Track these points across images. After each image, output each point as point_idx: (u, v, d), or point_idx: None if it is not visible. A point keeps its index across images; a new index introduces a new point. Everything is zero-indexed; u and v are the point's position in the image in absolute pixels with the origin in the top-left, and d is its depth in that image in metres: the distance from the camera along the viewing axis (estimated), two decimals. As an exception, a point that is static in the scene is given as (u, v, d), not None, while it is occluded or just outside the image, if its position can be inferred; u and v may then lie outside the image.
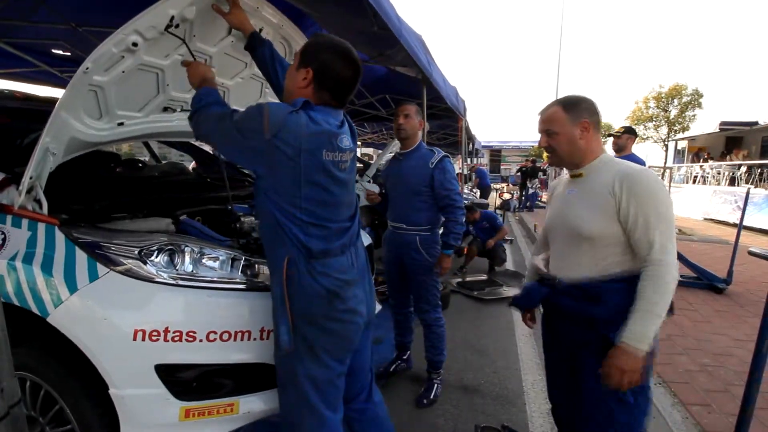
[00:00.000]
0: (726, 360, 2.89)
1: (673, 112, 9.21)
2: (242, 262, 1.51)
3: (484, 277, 5.07)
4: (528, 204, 13.03)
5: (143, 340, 1.30)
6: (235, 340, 1.39)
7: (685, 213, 11.91)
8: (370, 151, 18.16)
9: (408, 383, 2.64)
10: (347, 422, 1.51)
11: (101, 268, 1.35)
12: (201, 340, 1.35)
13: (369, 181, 5.96)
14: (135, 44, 1.40)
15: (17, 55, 4.20)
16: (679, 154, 17.65)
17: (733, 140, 15.45)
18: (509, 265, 5.85)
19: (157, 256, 1.39)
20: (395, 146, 5.96)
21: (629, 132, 4.35)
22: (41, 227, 1.44)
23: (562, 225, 1.45)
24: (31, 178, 1.43)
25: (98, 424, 1.39)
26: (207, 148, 3.25)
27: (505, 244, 6.25)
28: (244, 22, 1.61)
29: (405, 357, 2.79)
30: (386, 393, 1.97)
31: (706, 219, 11.36)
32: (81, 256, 1.37)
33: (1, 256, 1.44)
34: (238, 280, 1.47)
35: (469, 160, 11.59)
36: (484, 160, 24.93)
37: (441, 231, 2.44)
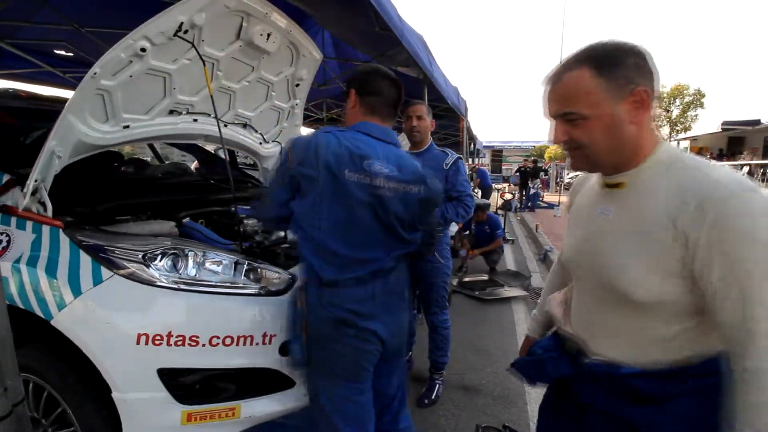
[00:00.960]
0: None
1: (675, 112, 9.18)
2: (245, 266, 1.51)
3: (485, 277, 5.08)
4: (530, 204, 13.04)
5: (146, 344, 1.31)
6: (237, 344, 1.39)
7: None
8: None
9: (409, 383, 2.65)
10: None
11: (105, 272, 1.35)
12: (204, 345, 1.35)
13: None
14: (143, 49, 1.42)
15: (20, 55, 4.21)
16: (681, 154, 17.65)
17: (735, 140, 15.42)
18: (510, 264, 5.86)
19: (160, 261, 1.40)
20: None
21: None
22: (46, 230, 1.45)
23: (589, 268, 0.90)
24: (36, 180, 1.43)
25: (101, 427, 1.40)
26: (210, 147, 3.26)
27: (505, 244, 6.26)
28: None
29: (407, 358, 2.79)
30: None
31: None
32: (85, 259, 1.37)
33: (5, 258, 1.45)
34: (241, 285, 1.48)
35: (470, 160, 11.58)
36: (485, 161, 24.92)
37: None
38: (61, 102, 2.46)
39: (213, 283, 1.43)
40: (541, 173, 15.64)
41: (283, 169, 1.30)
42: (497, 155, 32.48)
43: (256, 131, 2.50)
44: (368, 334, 1.30)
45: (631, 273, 0.78)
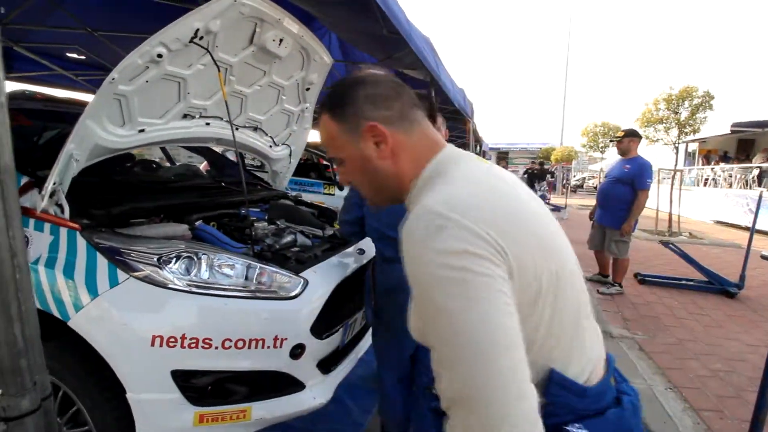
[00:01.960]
0: (738, 365, 2.87)
1: (684, 114, 9.08)
2: (257, 270, 1.53)
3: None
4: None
5: (161, 345, 1.33)
6: (249, 347, 1.41)
7: (695, 216, 11.79)
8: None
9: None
10: None
11: (121, 274, 1.38)
12: (216, 347, 1.37)
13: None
14: (160, 55, 1.45)
15: (33, 59, 4.28)
16: (689, 157, 17.45)
17: (745, 142, 15.23)
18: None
19: (175, 264, 1.42)
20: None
21: (630, 135, 4.29)
22: (63, 232, 1.47)
23: None
24: (54, 183, 1.46)
25: (115, 427, 1.42)
26: (218, 149, 3.29)
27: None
28: None
29: None
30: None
31: (716, 222, 11.22)
32: (102, 262, 1.40)
33: (23, 259, 1.47)
34: (253, 288, 1.50)
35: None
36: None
37: None
38: (75, 103, 2.50)
39: (226, 287, 1.45)
40: (548, 175, 15.56)
41: (350, 193, 1.64)
42: (503, 157, 32.38)
43: (267, 134, 2.53)
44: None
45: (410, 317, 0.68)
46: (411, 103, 0.76)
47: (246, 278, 1.50)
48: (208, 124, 2.08)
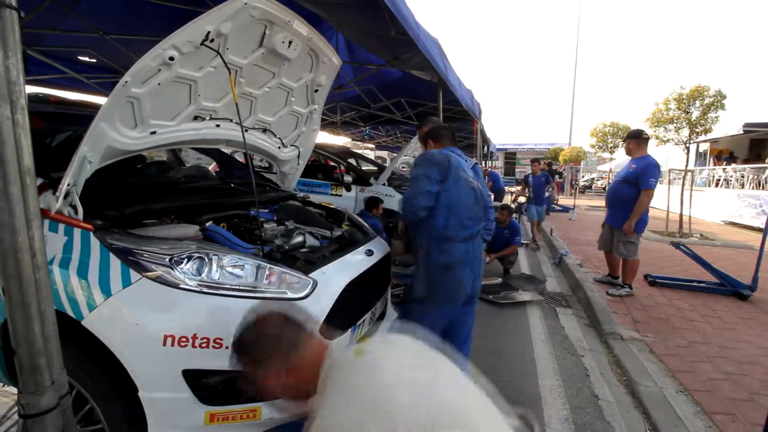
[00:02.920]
0: (751, 368, 2.82)
1: (695, 113, 8.95)
2: (266, 270, 1.54)
3: (498, 280, 5.04)
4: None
5: (172, 345, 1.35)
6: (260, 346, 1.42)
7: (707, 217, 11.62)
8: (384, 154, 18.21)
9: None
10: None
11: (134, 275, 1.40)
12: (227, 347, 1.38)
13: (384, 184, 5.98)
14: (172, 58, 1.47)
15: (45, 62, 4.35)
16: (700, 157, 17.19)
17: (758, 142, 14.99)
18: (525, 268, 5.80)
19: (186, 264, 1.43)
20: (411, 150, 5.97)
21: (631, 137, 4.30)
22: (77, 232, 1.50)
23: None
24: (68, 184, 1.49)
25: (127, 425, 1.44)
26: (227, 150, 3.31)
27: (520, 248, 6.20)
28: None
29: None
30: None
31: (726, 223, 11.06)
32: (115, 262, 1.42)
33: (38, 260, 1.50)
34: (262, 289, 1.51)
35: (483, 163, 11.51)
36: (498, 163, 24.73)
37: None
38: (87, 106, 2.54)
39: (236, 287, 1.46)
40: (556, 176, 15.44)
41: (431, 164, 2.00)
42: (510, 158, 32.22)
43: (276, 135, 2.54)
44: (463, 276, 2.02)
45: None
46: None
47: (256, 278, 1.51)
48: (218, 125, 2.10)
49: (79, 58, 4.58)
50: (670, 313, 3.89)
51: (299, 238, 1.99)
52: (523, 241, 6.68)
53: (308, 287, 1.58)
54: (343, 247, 2.06)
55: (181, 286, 1.39)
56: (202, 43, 1.51)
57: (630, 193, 4.08)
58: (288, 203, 2.60)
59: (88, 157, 1.51)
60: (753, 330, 3.52)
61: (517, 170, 30.41)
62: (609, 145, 20.71)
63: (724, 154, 15.60)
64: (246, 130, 2.23)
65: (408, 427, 0.72)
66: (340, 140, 11.95)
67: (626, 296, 4.29)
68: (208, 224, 1.82)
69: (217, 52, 1.59)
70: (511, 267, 5.42)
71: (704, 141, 14.25)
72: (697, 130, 9.03)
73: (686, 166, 9.72)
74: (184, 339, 1.35)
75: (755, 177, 11.62)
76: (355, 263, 1.91)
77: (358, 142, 13.54)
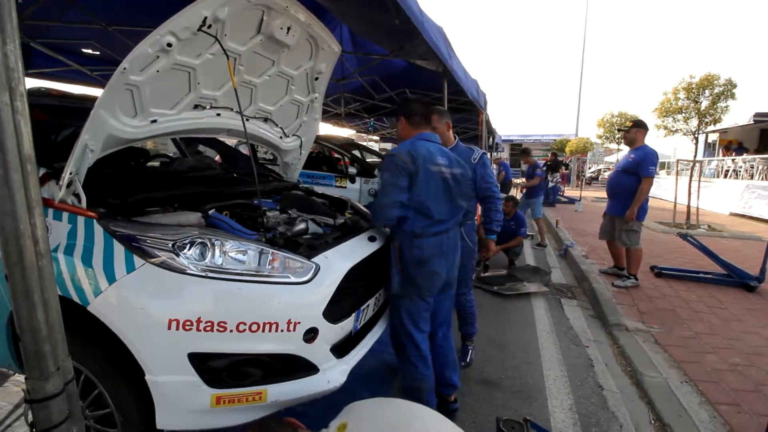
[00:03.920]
0: (758, 359, 2.81)
1: (705, 103, 8.80)
2: (269, 255, 1.55)
3: (504, 272, 5.03)
4: (549, 199, 12.79)
5: (177, 329, 1.36)
6: (263, 331, 1.43)
7: (715, 208, 11.49)
8: (388, 146, 18.16)
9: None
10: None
11: (137, 260, 1.41)
12: (231, 331, 1.39)
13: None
14: (169, 45, 1.46)
15: (49, 55, 4.36)
16: (709, 148, 16.95)
17: (768, 132, 14.76)
18: (530, 260, 5.79)
19: (189, 249, 1.44)
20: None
21: (637, 126, 4.32)
22: (81, 220, 1.51)
23: None
24: (70, 173, 1.49)
25: (135, 409, 1.47)
26: (230, 142, 3.32)
27: (525, 240, 6.17)
28: None
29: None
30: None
31: (734, 214, 10.93)
32: (119, 249, 1.43)
33: (44, 247, 1.52)
34: (266, 273, 1.51)
35: (489, 154, 11.42)
36: (504, 154, 24.55)
37: (483, 219, 2.68)
38: (89, 100, 2.55)
39: (239, 272, 1.47)
40: (562, 167, 15.31)
41: (398, 169, 1.87)
42: (516, 149, 31.96)
43: (277, 125, 2.54)
44: (437, 268, 1.96)
45: None
46: None
47: (259, 263, 1.52)
48: (218, 114, 2.09)
49: (83, 50, 4.59)
50: (676, 304, 3.86)
51: (302, 225, 1.99)
52: (528, 233, 6.65)
53: (311, 272, 1.58)
54: (345, 233, 2.06)
55: (185, 270, 1.40)
56: (199, 29, 1.50)
57: (630, 182, 4.14)
58: (291, 192, 2.60)
59: (90, 145, 1.52)
60: (760, 321, 3.49)
61: (522, 162, 30.16)
62: (616, 136, 20.48)
63: (733, 144, 15.37)
64: (247, 120, 2.23)
65: None
66: (345, 132, 11.93)
67: (632, 287, 4.27)
68: (210, 212, 1.82)
69: (215, 38, 1.58)
70: (516, 258, 5.41)
71: (713, 131, 14.04)
72: (706, 120, 8.90)
73: (695, 156, 9.60)
74: (188, 323, 1.36)
75: (765, 168, 11.46)
76: (357, 249, 1.91)
77: (363, 134, 13.50)
